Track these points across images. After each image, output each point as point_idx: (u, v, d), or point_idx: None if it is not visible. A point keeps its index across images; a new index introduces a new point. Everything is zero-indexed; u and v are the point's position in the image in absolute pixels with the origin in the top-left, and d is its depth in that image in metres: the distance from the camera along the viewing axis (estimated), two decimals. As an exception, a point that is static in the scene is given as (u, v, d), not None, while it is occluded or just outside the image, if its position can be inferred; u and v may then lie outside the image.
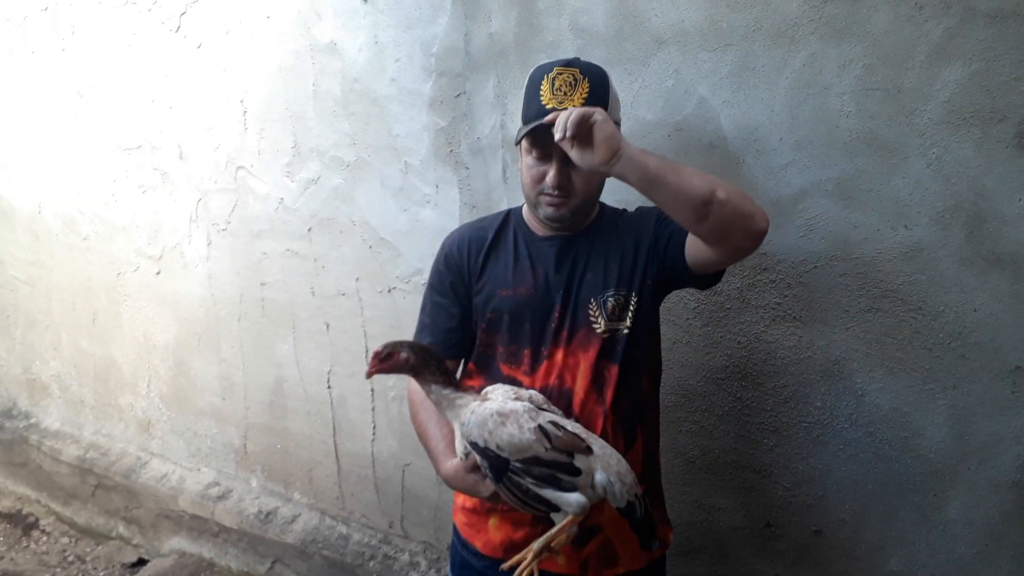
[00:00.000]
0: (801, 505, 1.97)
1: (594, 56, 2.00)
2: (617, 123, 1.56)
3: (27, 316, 3.95)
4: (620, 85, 1.98)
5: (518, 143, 1.56)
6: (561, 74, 1.49)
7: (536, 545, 1.38)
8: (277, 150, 2.74)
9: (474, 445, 1.36)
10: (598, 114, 1.34)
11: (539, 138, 1.50)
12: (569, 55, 2.01)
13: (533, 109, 1.52)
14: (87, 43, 3.24)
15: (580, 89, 1.48)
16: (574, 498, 1.34)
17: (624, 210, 1.72)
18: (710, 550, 2.12)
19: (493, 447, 1.34)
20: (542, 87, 1.50)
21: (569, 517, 1.36)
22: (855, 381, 1.85)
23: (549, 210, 1.56)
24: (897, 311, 1.77)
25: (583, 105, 1.44)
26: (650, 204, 1.54)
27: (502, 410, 1.36)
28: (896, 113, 1.70)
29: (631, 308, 1.57)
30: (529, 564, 1.37)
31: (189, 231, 3.10)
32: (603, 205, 1.72)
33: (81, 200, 3.48)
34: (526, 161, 1.56)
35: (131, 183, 3.25)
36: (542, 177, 1.53)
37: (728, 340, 1.98)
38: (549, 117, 1.39)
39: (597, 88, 1.50)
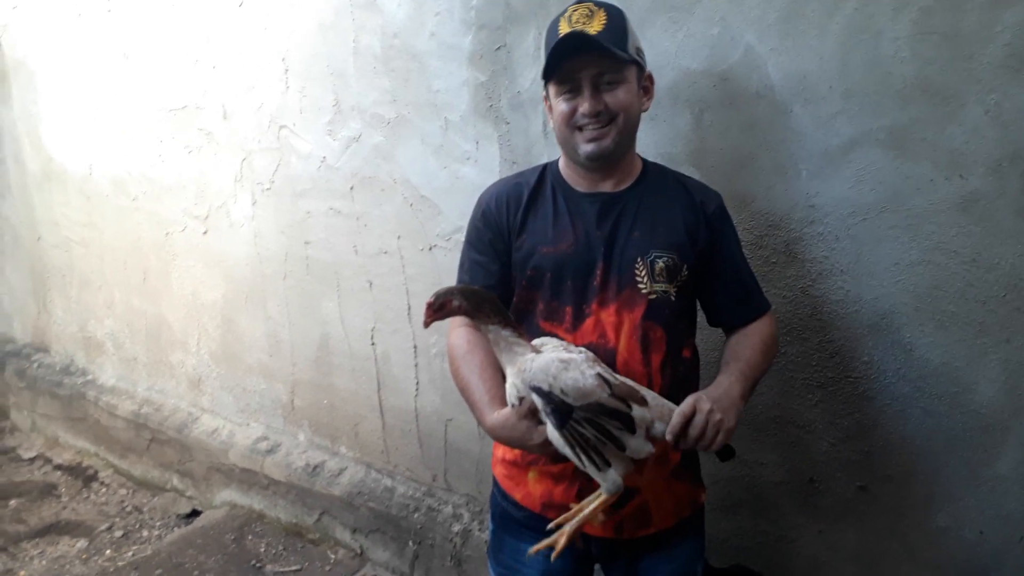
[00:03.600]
0: (846, 461, 1.95)
1: (638, 4, 1.96)
2: (639, 51, 1.58)
3: (81, 276, 4.07)
4: (664, 34, 1.95)
5: (546, 85, 1.57)
6: (576, 10, 1.52)
7: (568, 529, 1.42)
8: (318, 108, 2.75)
9: (538, 390, 1.35)
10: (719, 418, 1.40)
11: (566, 72, 1.50)
12: (613, 1, 1.98)
13: (550, 41, 1.52)
14: (132, 4, 3.28)
15: (598, 17, 1.50)
16: (611, 475, 1.37)
17: (674, 171, 1.70)
18: (752, 505, 2.12)
19: (558, 391, 1.33)
20: (560, 25, 1.52)
21: (602, 497, 1.39)
22: (904, 335, 1.81)
23: (590, 146, 1.52)
24: (950, 264, 1.72)
25: (603, 27, 1.48)
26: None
27: (562, 357, 1.36)
28: (953, 58, 1.63)
29: (681, 276, 1.56)
30: (563, 547, 1.41)
31: (234, 191, 3.14)
32: (646, 162, 1.69)
33: (130, 161, 3.56)
34: (557, 106, 1.55)
35: (177, 144, 3.30)
36: (575, 111, 1.51)
37: (773, 295, 1.94)
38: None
39: (613, 15, 1.52)
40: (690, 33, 1.92)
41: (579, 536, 1.43)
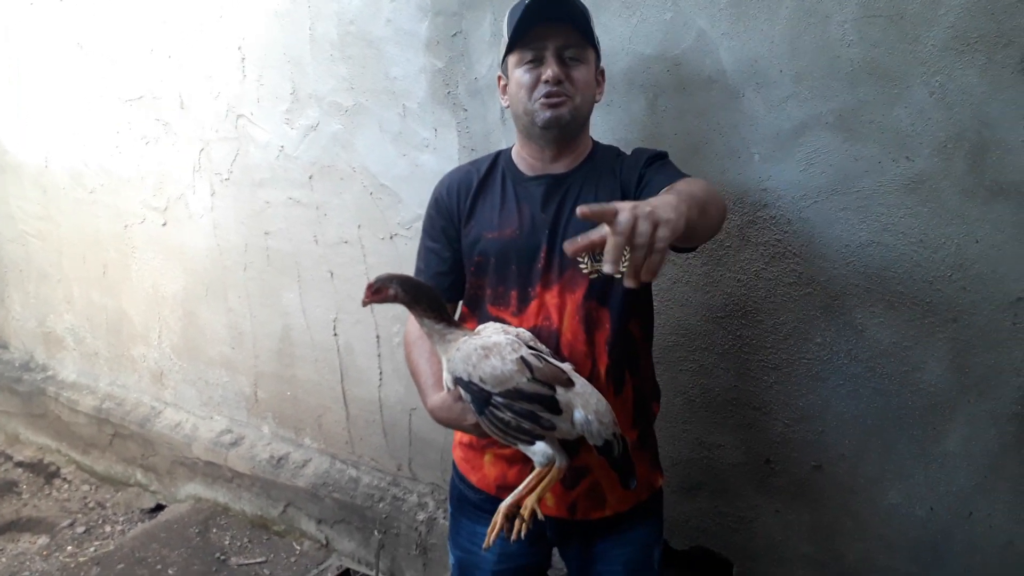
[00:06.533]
0: (801, 441, 1.98)
1: (590, -11, 1.96)
2: (598, 41, 1.60)
3: (39, 270, 4.00)
4: (618, 19, 1.95)
5: (506, 57, 1.56)
6: None
7: (503, 507, 1.42)
8: (276, 97, 2.72)
9: (458, 380, 1.40)
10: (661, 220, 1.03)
11: (534, 38, 1.50)
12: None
13: (516, 13, 1.51)
14: (84, -8, 3.22)
15: None
16: (539, 448, 1.38)
17: (620, 151, 1.68)
18: (710, 487, 2.14)
19: (476, 380, 1.36)
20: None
21: (536, 471, 1.41)
22: (855, 316, 1.83)
23: (548, 113, 1.51)
24: (898, 244, 1.74)
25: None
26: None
27: (486, 344, 1.38)
28: (898, 40, 1.65)
29: (625, 254, 1.54)
30: (500, 528, 1.42)
31: (193, 181, 3.10)
32: (596, 143, 1.69)
33: (86, 153, 3.49)
34: (517, 76, 1.54)
35: (134, 134, 3.25)
36: (537, 80, 1.51)
37: (728, 278, 1.97)
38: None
39: (581, 3, 1.53)
40: (643, 18, 1.93)
41: (530, 516, 1.42)
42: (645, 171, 1.55)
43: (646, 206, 1.02)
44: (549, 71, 1.49)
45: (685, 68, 1.90)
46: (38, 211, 3.86)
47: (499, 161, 1.68)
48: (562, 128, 1.54)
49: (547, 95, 1.50)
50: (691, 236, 1.27)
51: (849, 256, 1.81)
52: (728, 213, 1.89)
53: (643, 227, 0.99)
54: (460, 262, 1.67)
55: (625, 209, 0.99)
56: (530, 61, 1.52)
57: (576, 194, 1.57)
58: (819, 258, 1.84)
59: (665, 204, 1.06)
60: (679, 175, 1.51)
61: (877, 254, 1.77)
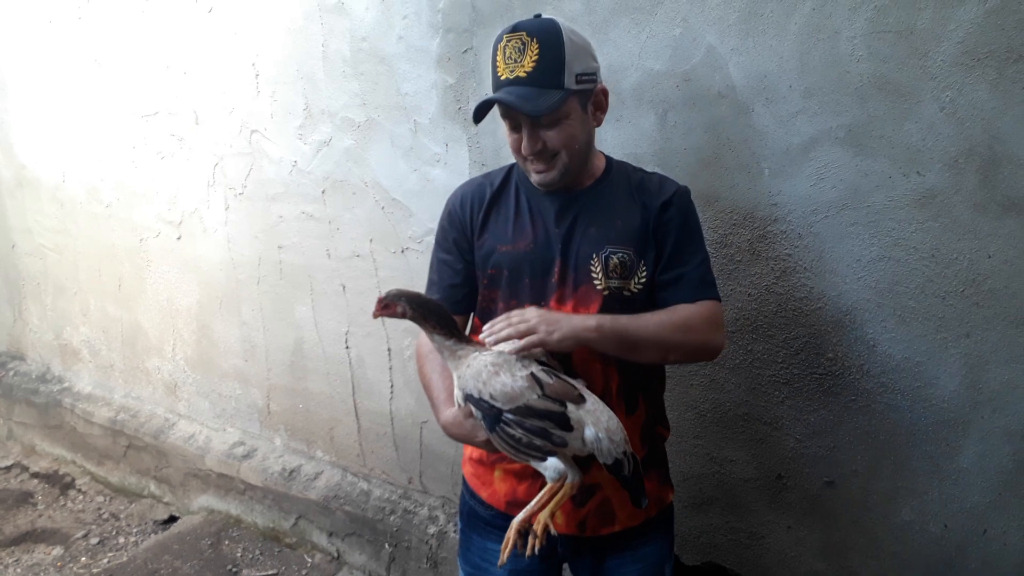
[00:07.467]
0: (813, 456, 1.97)
1: (600, 6, 1.97)
2: (591, 73, 1.50)
3: (56, 283, 4.04)
4: (627, 35, 1.96)
5: (477, 121, 1.53)
6: (510, 41, 1.45)
7: (515, 523, 1.41)
8: (289, 112, 2.75)
9: (469, 396, 1.40)
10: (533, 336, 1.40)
11: (505, 110, 1.49)
12: (575, 6, 2.00)
13: (493, 82, 1.50)
14: (102, 10, 3.27)
15: (529, 52, 1.43)
16: (551, 464, 1.37)
17: (643, 169, 1.67)
18: (722, 502, 2.13)
19: (487, 397, 1.36)
20: (497, 59, 1.48)
21: (548, 486, 1.41)
22: (867, 331, 1.83)
23: (537, 177, 1.53)
24: (909, 259, 1.74)
25: (534, 66, 1.42)
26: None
27: (496, 360, 1.38)
28: (908, 56, 1.65)
29: (639, 273, 1.54)
30: (513, 544, 1.41)
31: (207, 196, 3.13)
32: (610, 160, 1.68)
33: (103, 168, 3.54)
34: (505, 130, 1.55)
35: (150, 150, 3.29)
36: (519, 145, 1.51)
37: (738, 293, 1.96)
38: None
39: (547, 47, 1.43)
40: (653, 34, 1.93)
41: (543, 532, 1.42)
42: (661, 226, 1.55)
43: (534, 320, 1.42)
44: (525, 144, 1.49)
45: (694, 83, 1.91)
46: (55, 225, 3.91)
47: (512, 174, 1.68)
48: (555, 186, 1.55)
49: (530, 160, 1.51)
50: (634, 358, 1.52)
51: (860, 271, 1.80)
52: (741, 230, 1.91)
53: (507, 331, 1.41)
54: (473, 274, 1.67)
55: (519, 314, 1.44)
56: (509, 126, 1.52)
57: (591, 211, 1.57)
58: (830, 273, 1.84)
59: (563, 327, 1.42)
60: (688, 255, 1.55)
61: (888, 269, 1.77)
